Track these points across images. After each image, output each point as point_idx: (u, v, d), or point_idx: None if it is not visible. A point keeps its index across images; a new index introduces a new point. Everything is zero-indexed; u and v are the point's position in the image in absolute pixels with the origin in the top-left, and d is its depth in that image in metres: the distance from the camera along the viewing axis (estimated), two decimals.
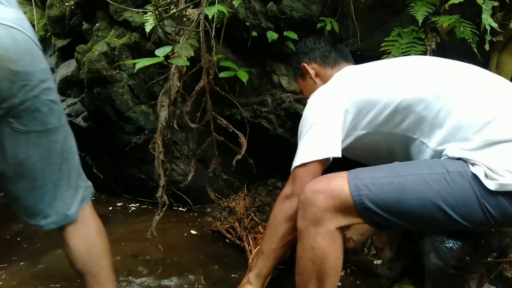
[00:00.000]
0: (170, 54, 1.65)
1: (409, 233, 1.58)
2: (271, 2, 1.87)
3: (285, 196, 1.25)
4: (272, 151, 2.25)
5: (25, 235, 1.97)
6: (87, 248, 1.16)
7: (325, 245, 1.07)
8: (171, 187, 2.21)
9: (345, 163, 1.27)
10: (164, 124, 1.66)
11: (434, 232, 1.50)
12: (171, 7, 1.91)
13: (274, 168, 2.34)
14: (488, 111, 1.04)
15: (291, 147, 2.17)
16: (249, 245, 1.67)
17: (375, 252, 1.77)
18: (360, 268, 1.69)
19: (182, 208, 2.32)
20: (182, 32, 1.77)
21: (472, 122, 1.04)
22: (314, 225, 1.08)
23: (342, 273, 1.62)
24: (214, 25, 1.79)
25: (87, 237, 1.17)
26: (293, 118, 2.05)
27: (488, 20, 1.48)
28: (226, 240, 1.89)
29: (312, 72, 1.49)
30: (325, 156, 1.17)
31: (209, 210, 2.26)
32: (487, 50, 1.57)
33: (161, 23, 1.78)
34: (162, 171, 1.61)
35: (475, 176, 0.98)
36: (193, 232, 2.02)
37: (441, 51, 1.66)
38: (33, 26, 3.41)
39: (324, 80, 1.44)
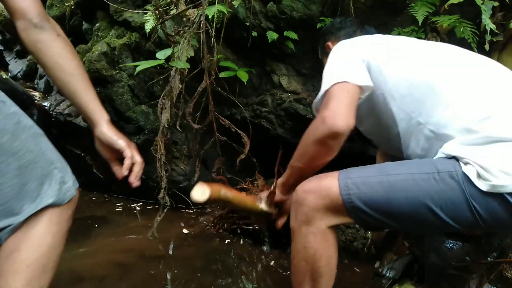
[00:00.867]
0: (171, 56, 1.66)
1: (409, 233, 1.59)
2: (271, 2, 1.87)
3: (320, 118, 1.11)
4: (272, 151, 2.25)
5: None
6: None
7: (317, 244, 1.07)
8: (171, 187, 2.22)
9: (342, 163, 1.27)
10: (166, 126, 1.67)
11: (425, 233, 1.51)
12: (171, 8, 1.91)
13: (274, 168, 2.33)
14: (493, 104, 1.02)
15: (291, 147, 2.18)
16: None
17: (375, 252, 1.77)
18: (360, 268, 1.70)
19: (182, 208, 2.32)
20: (182, 33, 1.77)
21: (475, 113, 1.01)
22: (305, 224, 1.08)
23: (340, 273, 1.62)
24: (214, 25, 1.79)
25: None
26: (293, 118, 2.05)
27: (486, 21, 1.48)
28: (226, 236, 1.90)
29: None
30: (365, 84, 1.11)
31: (209, 210, 2.26)
32: (487, 50, 1.57)
33: (162, 24, 1.78)
34: (164, 173, 1.61)
35: (466, 176, 0.97)
36: (192, 231, 2.02)
37: None
38: None
39: None
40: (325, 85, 1.12)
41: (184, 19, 1.87)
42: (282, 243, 1.79)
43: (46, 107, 2.74)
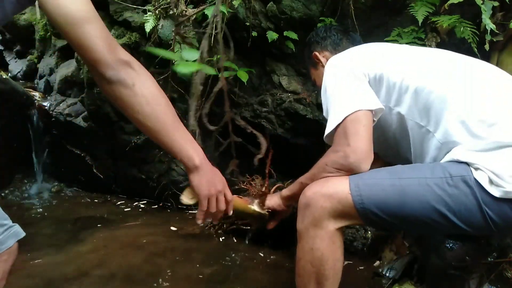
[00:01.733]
0: (174, 60, 1.65)
1: (409, 233, 1.59)
2: (271, 2, 1.87)
3: (343, 153, 1.08)
4: (272, 151, 2.25)
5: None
6: None
7: (324, 246, 1.06)
8: (172, 187, 2.22)
9: None
10: (197, 129, 1.64)
11: (433, 235, 1.50)
12: (171, 7, 1.91)
13: (274, 168, 2.33)
14: (499, 110, 1.01)
15: (291, 147, 2.18)
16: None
17: (375, 252, 1.77)
18: (360, 268, 1.70)
19: (182, 208, 2.32)
20: (183, 32, 1.76)
21: (482, 119, 1.01)
22: (313, 226, 1.07)
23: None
24: (214, 25, 1.79)
25: None
26: (293, 118, 2.05)
27: (486, 21, 1.48)
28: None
29: (323, 60, 1.45)
30: (376, 107, 1.10)
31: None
32: (487, 50, 1.56)
33: (160, 26, 1.77)
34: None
35: (477, 182, 0.96)
36: (192, 231, 2.02)
37: None
38: (33, 26, 3.41)
39: None
40: (336, 118, 1.10)
41: (184, 18, 1.87)
42: (283, 244, 1.79)
43: (46, 107, 2.74)
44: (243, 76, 1.88)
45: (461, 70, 1.11)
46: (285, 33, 1.86)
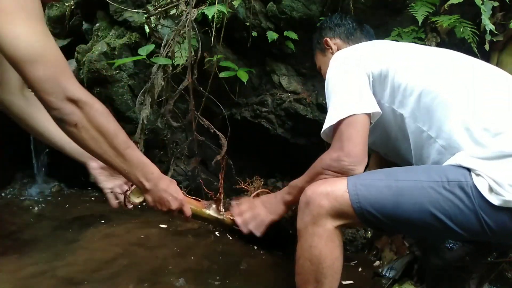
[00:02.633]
0: (171, 54, 1.66)
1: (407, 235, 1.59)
2: (271, 2, 1.87)
3: (336, 157, 1.12)
4: (272, 151, 2.25)
5: (24, 236, 1.97)
6: None
7: (322, 244, 1.07)
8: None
9: None
10: (146, 122, 1.66)
11: (430, 239, 1.51)
12: (168, 6, 1.91)
13: (274, 168, 2.34)
14: (505, 118, 1.00)
15: (291, 147, 2.19)
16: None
17: (375, 252, 1.77)
18: (360, 268, 1.70)
19: None
20: (175, 31, 1.77)
21: (487, 127, 1.00)
22: (312, 224, 1.08)
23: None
24: (214, 25, 1.79)
25: None
26: (293, 118, 2.05)
27: (486, 21, 1.48)
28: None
29: (334, 47, 1.45)
30: (373, 110, 1.11)
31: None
32: (487, 50, 1.57)
33: (148, 20, 1.78)
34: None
35: (476, 189, 0.96)
36: (190, 228, 2.02)
37: None
38: None
39: None
40: (331, 119, 1.12)
41: (180, 18, 1.87)
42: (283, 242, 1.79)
43: None
44: (243, 76, 1.88)
45: (466, 75, 1.10)
46: (285, 33, 1.86)
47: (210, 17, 1.76)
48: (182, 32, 1.76)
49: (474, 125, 1.01)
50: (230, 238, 1.91)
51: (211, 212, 1.29)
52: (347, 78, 1.16)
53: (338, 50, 1.43)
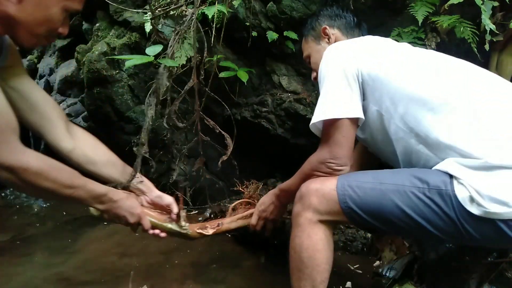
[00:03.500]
0: (171, 54, 1.66)
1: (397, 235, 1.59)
2: (271, 2, 1.87)
3: (323, 160, 1.17)
4: (272, 151, 2.25)
5: (24, 237, 1.98)
6: None
7: (305, 236, 1.13)
8: (172, 187, 2.22)
9: None
10: (151, 123, 1.66)
11: (416, 239, 1.53)
12: (171, 7, 1.91)
13: (274, 168, 2.34)
14: (494, 128, 1.00)
15: (291, 147, 2.19)
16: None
17: (375, 252, 1.77)
18: (360, 268, 1.70)
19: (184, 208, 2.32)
20: (176, 32, 1.77)
21: (475, 135, 1.00)
22: (299, 216, 1.15)
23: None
24: (214, 25, 1.79)
25: None
26: (293, 118, 2.05)
27: (486, 21, 1.48)
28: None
29: (332, 37, 1.43)
30: (359, 116, 1.15)
31: (209, 210, 2.26)
32: (487, 50, 1.57)
33: (153, 21, 1.78)
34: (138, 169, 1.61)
35: (456, 197, 0.98)
36: None
37: (441, 51, 1.65)
38: None
39: None
40: (317, 116, 1.17)
41: (184, 19, 1.87)
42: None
43: None
44: (243, 76, 1.88)
45: (458, 82, 1.09)
46: (285, 33, 1.86)
47: (210, 17, 1.76)
48: (186, 32, 1.76)
49: (462, 134, 1.02)
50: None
51: (172, 226, 1.32)
52: (340, 77, 1.17)
53: (335, 41, 1.41)
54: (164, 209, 1.34)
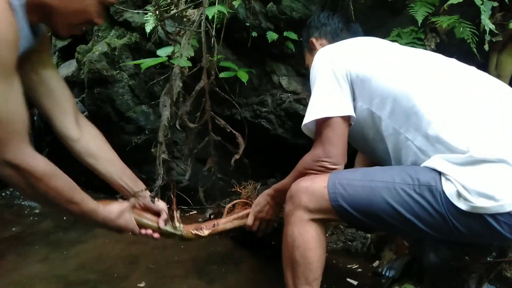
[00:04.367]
0: (171, 54, 1.66)
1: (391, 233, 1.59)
2: (271, 3, 1.87)
3: (317, 158, 1.19)
4: (272, 151, 2.26)
5: (24, 236, 1.98)
6: None
7: (296, 233, 1.14)
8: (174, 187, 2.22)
9: None
10: (166, 124, 1.67)
11: (407, 237, 1.54)
12: (172, 8, 1.91)
13: (274, 168, 2.34)
14: (481, 123, 1.01)
15: (291, 147, 2.19)
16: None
17: (375, 252, 1.77)
18: (360, 268, 1.70)
19: (184, 208, 2.32)
20: (183, 32, 1.77)
21: (461, 132, 1.01)
22: (291, 215, 1.16)
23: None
24: (214, 26, 1.80)
25: None
26: (293, 118, 2.05)
27: (486, 21, 1.48)
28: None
29: (319, 48, 1.45)
30: (347, 114, 1.17)
31: (210, 210, 2.26)
32: (487, 50, 1.57)
33: (162, 23, 1.78)
34: (163, 171, 1.61)
35: (445, 193, 0.98)
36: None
37: (441, 52, 1.65)
38: None
39: None
40: (308, 116, 1.19)
41: (185, 19, 1.88)
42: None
43: None
44: (243, 76, 1.88)
45: (447, 79, 1.11)
46: (285, 34, 1.86)
47: (210, 18, 1.76)
48: (195, 33, 1.76)
49: (449, 130, 1.02)
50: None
51: (166, 227, 1.32)
52: (325, 80, 1.19)
53: None
54: (156, 214, 1.35)
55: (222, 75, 1.88)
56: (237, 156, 1.86)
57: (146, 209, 1.34)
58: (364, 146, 1.32)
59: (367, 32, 1.80)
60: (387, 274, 1.53)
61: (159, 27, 1.96)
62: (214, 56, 1.82)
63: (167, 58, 1.57)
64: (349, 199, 1.09)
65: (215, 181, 2.18)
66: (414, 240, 1.52)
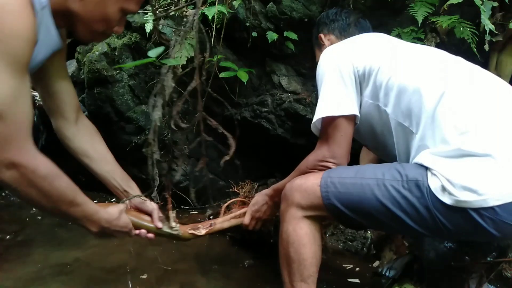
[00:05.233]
0: (172, 55, 1.66)
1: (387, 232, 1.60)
2: (271, 3, 1.87)
3: (322, 157, 1.21)
4: (272, 151, 2.26)
5: (23, 236, 1.98)
6: None
7: (290, 230, 1.16)
8: (172, 187, 2.22)
9: None
10: (158, 124, 1.67)
11: (400, 234, 1.54)
12: (171, 7, 1.91)
13: (274, 168, 2.34)
14: (474, 117, 1.01)
15: (291, 147, 2.19)
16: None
17: (375, 252, 1.77)
18: (360, 268, 1.70)
19: (184, 208, 2.32)
20: (178, 32, 1.77)
21: (455, 125, 1.01)
22: (285, 212, 1.18)
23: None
24: (214, 26, 1.80)
25: None
26: (293, 118, 2.05)
27: (485, 21, 1.48)
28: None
29: (327, 43, 1.47)
30: (353, 113, 1.18)
31: (210, 210, 2.27)
32: (487, 50, 1.57)
33: (155, 22, 1.78)
34: (157, 171, 1.61)
35: (430, 188, 0.99)
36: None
37: None
38: None
39: None
40: (317, 114, 1.20)
41: (185, 19, 1.88)
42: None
43: None
44: (243, 76, 1.88)
45: (448, 73, 1.11)
46: (285, 34, 1.86)
47: (210, 18, 1.76)
48: (188, 33, 1.76)
49: (444, 122, 1.03)
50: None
51: (164, 228, 1.33)
52: (331, 79, 1.21)
53: None
54: (148, 214, 1.35)
55: (222, 75, 1.88)
56: (227, 157, 1.86)
57: (138, 209, 1.34)
58: (374, 142, 1.33)
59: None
60: (387, 274, 1.54)
61: (159, 28, 1.96)
62: (213, 56, 1.82)
63: (155, 59, 1.57)
64: (340, 197, 1.10)
65: (215, 181, 2.19)
66: (414, 240, 1.52)
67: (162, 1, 1.99)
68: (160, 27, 1.99)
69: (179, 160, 1.92)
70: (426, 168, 1.02)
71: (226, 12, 1.74)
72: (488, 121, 1.01)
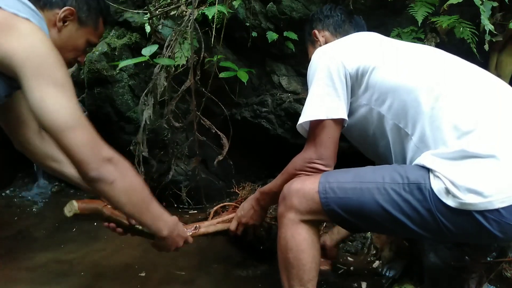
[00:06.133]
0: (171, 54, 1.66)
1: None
2: (271, 3, 1.87)
3: (309, 160, 1.20)
4: (272, 151, 2.26)
5: (25, 235, 1.98)
6: None
7: (288, 235, 1.15)
8: (172, 187, 2.23)
9: (342, 162, 1.28)
10: (148, 123, 1.68)
11: (401, 237, 1.53)
12: (170, 7, 1.91)
13: (274, 168, 2.34)
14: (474, 118, 1.00)
15: (291, 147, 2.18)
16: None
17: (375, 252, 1.77)
18: (360, 268, 1.70)
19: (184, 208, 2.32)
20: (175, 32, 1.77)
21: (456, 126, 1.00)
22: (283, 217, 1.17)
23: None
24: (214, 26, 1.80)
25: None
26: (293, 118, 2.05)
27: (485, 22, 1.48)
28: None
29: (322, 39, 1.45)
30: (341, 117, 1.18)
31: (210, 210, 2.27)
32: (487, 50, 1.57)
33: (151, 21, 1.78)
34: (143, 170, 1.62)
35: (433, 190, 0.98)
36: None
37: None
38: None
39: None
40: (303, 117, 1.20)
41: (182, 19, 1.88)
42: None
43: None
44: (243, 76, 1.88)
45: (445, 73, 1.11)
46: (285, 34, 1.86)
47: (210, 18, 1.76)
48: (184, 32, 1.76)
49: (444, 123, 1.02)
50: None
51: (140, 226, 1.29)
52: (325, 79, 1.19)
53: (326, 43, 1.43)
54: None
55: (222, 75, 1.88)
56: (220, 157, 1.86)
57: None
58: (364, 143, 1.32)
59: (365, 28, 1.80)
60: (387, 274, 1.54)
61: (160, 28, 1.96)
62: (213, 56, 1.82)
63: (148, 57, 1.57)
64: (340, 203, 1.08)
65: (215, 182, 2.19)
66: (414, 240, 1.52)
67: (162, 1, 1.99)
68: (160, 27, 1.99)
69: (171, 159, 1.93)
70: (428, 170, 1.00)
71: (226, 12, 1.74)
72: (489, 122, 1.00)
